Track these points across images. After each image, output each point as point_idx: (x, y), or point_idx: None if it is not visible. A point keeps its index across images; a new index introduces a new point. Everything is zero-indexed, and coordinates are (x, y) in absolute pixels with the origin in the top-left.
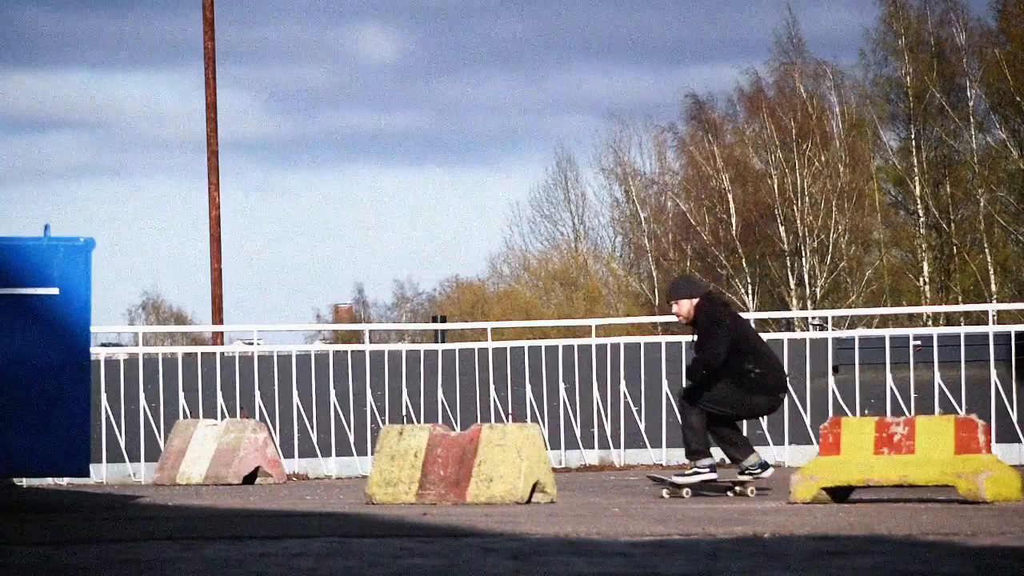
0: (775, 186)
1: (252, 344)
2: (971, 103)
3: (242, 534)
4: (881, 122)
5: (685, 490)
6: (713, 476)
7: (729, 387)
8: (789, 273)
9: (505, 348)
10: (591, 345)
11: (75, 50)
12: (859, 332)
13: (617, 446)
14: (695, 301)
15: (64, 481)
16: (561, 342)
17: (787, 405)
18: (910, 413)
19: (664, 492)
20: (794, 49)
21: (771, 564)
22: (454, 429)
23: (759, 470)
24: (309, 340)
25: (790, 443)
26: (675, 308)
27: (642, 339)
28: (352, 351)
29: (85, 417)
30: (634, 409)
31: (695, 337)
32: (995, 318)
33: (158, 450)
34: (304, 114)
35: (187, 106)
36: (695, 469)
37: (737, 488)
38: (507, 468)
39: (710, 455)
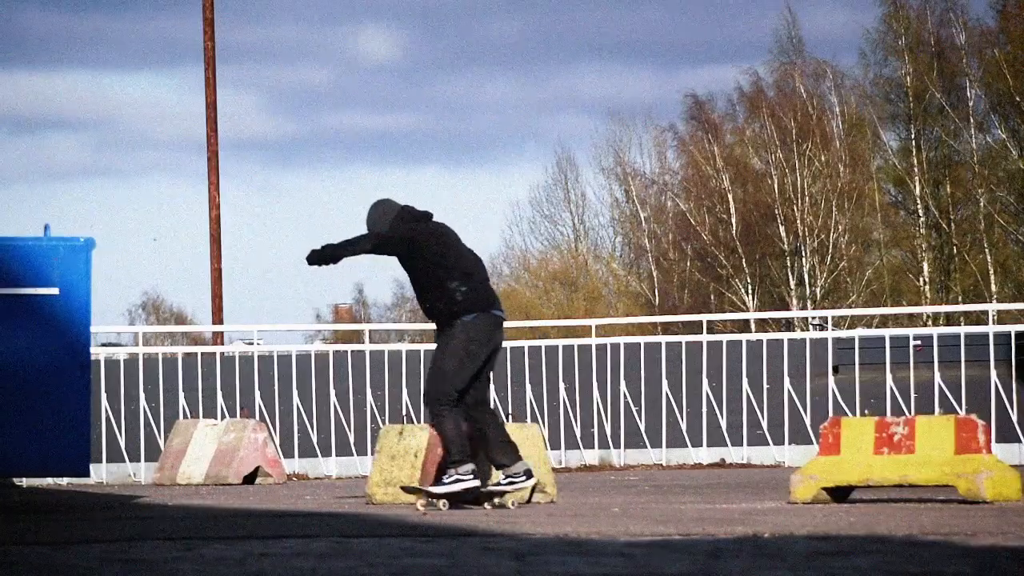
0: (775, 186)
1: (252, 344)
2: (971, 103)
3: (242, 534)
4: (881, 122)
5: (442, 501)
6: (476, 483)
7: (444, 343)
8: (789, 273)
9: (505, 348)
10: (591, 345)
11: (75, 50)
12: (859, 332)
13: (617, 446)
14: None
15: (64, 481)
16: (561, 342)
17: (787, 405)
18: (910, 413)
19: (419, 504)
20: (794, 49)
21: (771, 564)
22: None
23: (523, 478)
24: (309, 340)
25: (790, 443)
26: None
27: (642, 339)
28: (352, 351)
29: (85, 417)
30: (634, 409)
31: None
32: (995, 318)
33: (158, 450)
34: (304, 114)
35: (187, 106)
36: (456, 476)
37: (496, 500)
38: None
39: (471, 461)
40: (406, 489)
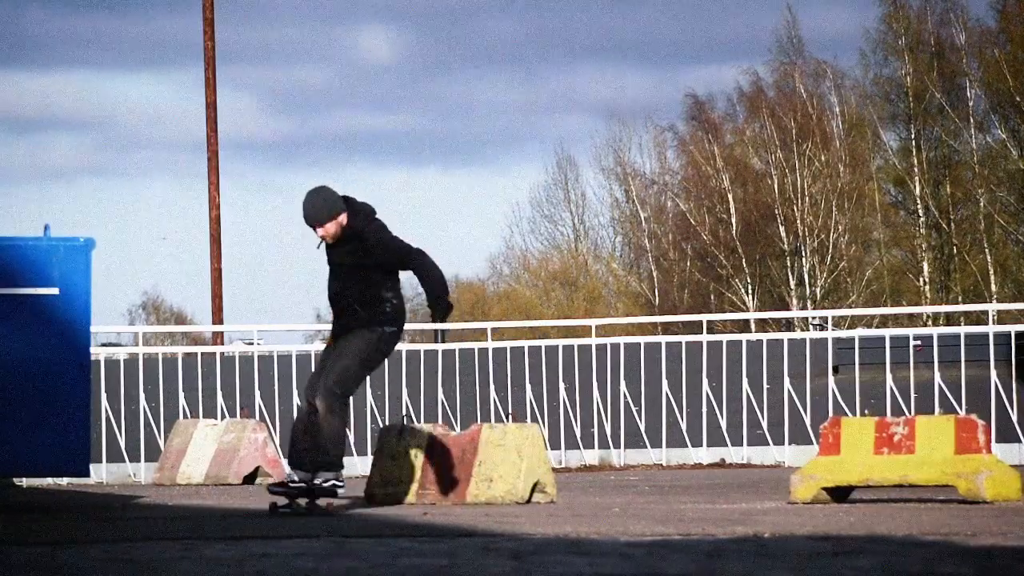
0: (775, 186)
1: (252, 344)
2: (971, 103)
3: (242, 534)
4: (881, 122)
5: (306, 501)
6: (343, 489)
7: (361, 343)
8: (789, 273)
9: (505, 348)
10: (591, 345)
11: (75, 50)
12: (859, 332)
13: (617, 446)
14: (343, 217)
15: (64, 481)
16: (561, 342)
17: (787, 405)
18: (910, 413)
19: (291, 504)
20: (794, 49)
21: (771, 564)
22: (454, 429)
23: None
24: (309, 340)
25: (790, 443)
26: (321, 231)
27: (642, 339)
28: None
29: (85, 417)
30: (634, 409)
31: (344, 262)
32: (995, 318)
33: (158, 450)
34: (304, 114)
35: (187, 106)
36: (334, 481)
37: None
38: (507, 468)
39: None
40: (271, 488)
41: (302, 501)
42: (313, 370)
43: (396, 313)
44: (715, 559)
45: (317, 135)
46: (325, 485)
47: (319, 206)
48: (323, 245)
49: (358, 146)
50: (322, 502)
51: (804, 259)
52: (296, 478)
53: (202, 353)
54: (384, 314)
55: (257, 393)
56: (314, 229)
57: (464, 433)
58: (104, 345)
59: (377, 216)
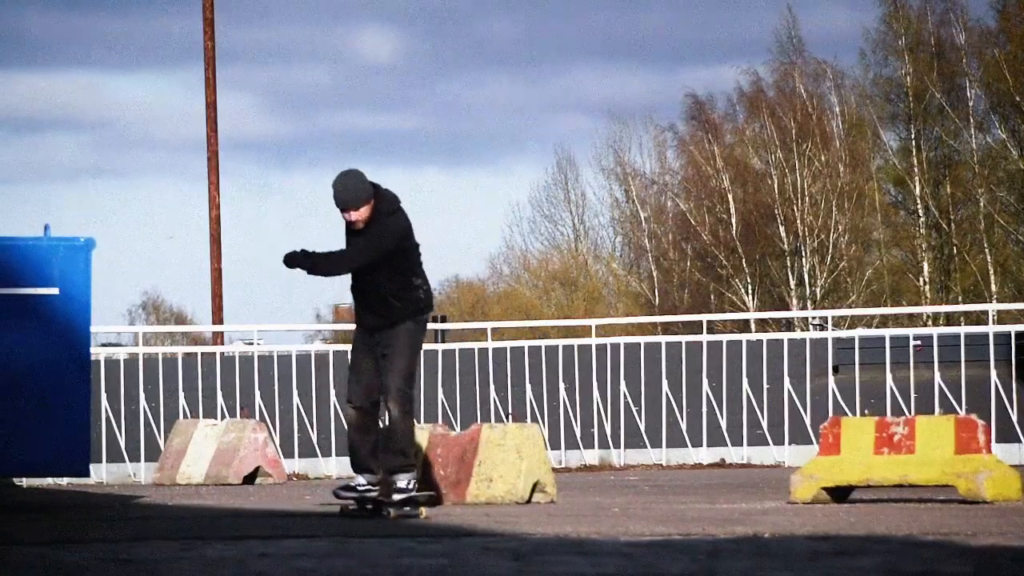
0: (775, 186)
1: (252, 344)
2: (971, 103)
3: (242, 534)
4: (881, 122)
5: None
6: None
7: (409, 337)
8: (789, 273)
9: (505, 348)
10: (591, 345)
11: (75, 50)
12: (859, 332)
13: (617, 446)
14: (371, 202)
15: (64, 481)
16: (561, 342)
17: (787, 405)
18: (910, 413)
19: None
20: (794, 49)
21: (771, 564)
22: (454, 429)
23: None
24: (309, 340)
25: (790, 443)
26: (354, 216)
27: (642, 339)
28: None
29: (85, 417)
30: (634, 409)
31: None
32: (995, 318)
33: (158, 450)
34: (304, 114)
35: (187, 106)
36: (414, 481)
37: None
38: (507, 468)
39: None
40: (339, 492)
41: (392, 510)
42: (351, 371)
43: (428, 297)
44: (715, 559)
45: (317, 135)
46: (410, 487)
47: (353, 190)
48: (345, 231)
49: (358, 146)
50: (415, 511)
51: (804, 259)
52: (363, 481)
53: (202, 353)
54: (419, 301)
55: (257, 393)
56: (345, 212)
57: (464, 433)
58: (104, 345)
59: (400, 206)
